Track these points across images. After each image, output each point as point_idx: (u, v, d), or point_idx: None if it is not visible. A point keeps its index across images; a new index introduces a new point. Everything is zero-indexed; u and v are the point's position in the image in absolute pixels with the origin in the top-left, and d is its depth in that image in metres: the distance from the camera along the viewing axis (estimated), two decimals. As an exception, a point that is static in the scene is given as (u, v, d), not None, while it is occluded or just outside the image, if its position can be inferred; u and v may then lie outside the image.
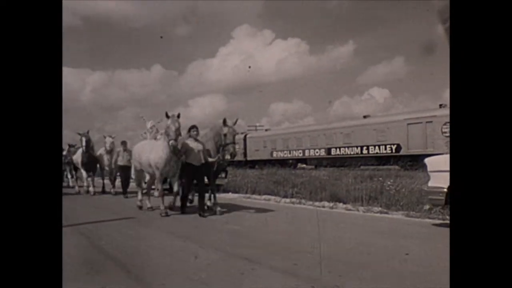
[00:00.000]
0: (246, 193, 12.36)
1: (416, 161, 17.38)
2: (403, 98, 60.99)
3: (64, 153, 17.77)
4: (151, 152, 8.31)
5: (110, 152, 13.24)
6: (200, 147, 7.97)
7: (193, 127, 8.18)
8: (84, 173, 14.11)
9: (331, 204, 9.17)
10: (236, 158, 14.15)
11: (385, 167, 20.69)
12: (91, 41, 68.11)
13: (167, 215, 7.84)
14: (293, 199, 10.46)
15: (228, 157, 8.39)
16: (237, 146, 9.82)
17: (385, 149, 21.86)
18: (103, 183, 14.66)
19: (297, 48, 65.02)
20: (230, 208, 8.82)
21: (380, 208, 8.23)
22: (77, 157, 14.59)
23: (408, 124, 20.64)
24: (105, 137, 13.56)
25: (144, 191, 9.51)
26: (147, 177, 9.78)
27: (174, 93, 69.35)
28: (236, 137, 8.69)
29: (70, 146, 17.38)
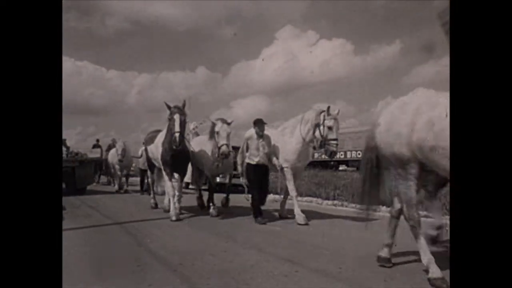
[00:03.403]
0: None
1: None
2: (449, 98, 58.71)
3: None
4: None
5: (228, 154, 7.32)
6: None
7: None
8: (166, 177, 7.77)
9: (374, 207, 9.00)
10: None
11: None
12: (139, 44, 70.54)
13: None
14: (335, 201, 10.41)
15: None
16: None
17: (430, 151, 21.15)
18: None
19: (342, 49, 64.11)
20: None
21: (425, 212, 7.98)
22: (157, 147, 8.05)
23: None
24: (214, 124, 7.47)
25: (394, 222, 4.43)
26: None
27: (217, 95, 70.52)
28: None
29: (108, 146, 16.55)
